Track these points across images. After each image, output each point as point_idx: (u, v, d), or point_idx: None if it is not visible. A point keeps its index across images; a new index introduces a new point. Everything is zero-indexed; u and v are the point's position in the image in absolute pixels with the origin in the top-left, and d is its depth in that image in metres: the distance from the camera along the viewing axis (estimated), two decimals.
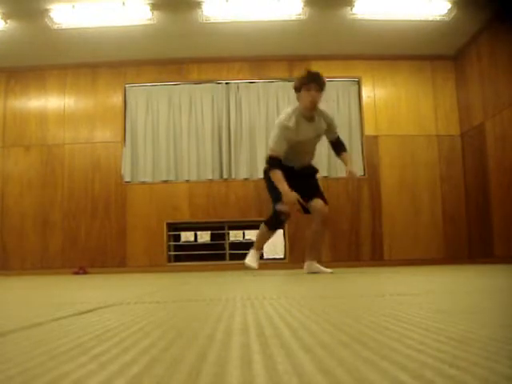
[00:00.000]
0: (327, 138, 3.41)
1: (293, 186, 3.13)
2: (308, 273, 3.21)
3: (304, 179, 3.30)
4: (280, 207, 3.16)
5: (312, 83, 3.09)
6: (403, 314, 0.85)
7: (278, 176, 3.09)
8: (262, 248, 3.56)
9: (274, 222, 3.33)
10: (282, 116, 3.15)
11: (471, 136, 5.24)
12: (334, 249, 5.22)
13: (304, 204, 3.23)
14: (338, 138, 3.44)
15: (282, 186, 3.07)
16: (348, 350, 0.53)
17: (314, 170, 3.49)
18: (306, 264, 3.27)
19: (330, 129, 3.33)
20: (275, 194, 3.19)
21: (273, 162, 3.14)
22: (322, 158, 5.43)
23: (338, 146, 3.43)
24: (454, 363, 0.45)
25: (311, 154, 3.39)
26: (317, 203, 3.25)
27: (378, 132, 5.47)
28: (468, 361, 0.46)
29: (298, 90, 3.15)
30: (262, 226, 3.40)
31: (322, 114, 3.26)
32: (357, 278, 2.58)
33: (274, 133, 3.17)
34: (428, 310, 0.92)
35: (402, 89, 5.56)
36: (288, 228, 5.21)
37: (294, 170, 3.25)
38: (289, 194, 3.05)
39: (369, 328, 0.70)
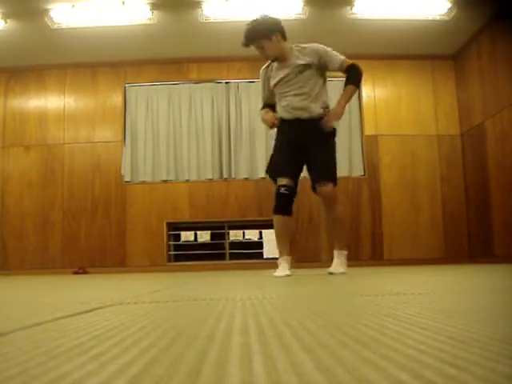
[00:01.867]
0: (335, 70, 2.90)
1: (297, 157, 2.82)
2: (330, 273, 2.81)
3: (311, 146, 2.81)
4: (278, 183, 2.79)
5: (248, 46, 2.92)
6: (403, 314, 0.85)
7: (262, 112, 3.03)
8: (286, 250, 2.83)
9: (277, 200, 2.79)
10: None
11: (471, 135, 5.24)
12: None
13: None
14: (351, 66, 2.86)
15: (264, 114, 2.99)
16: (348, 350, 0.52)
17: (324, 136, 2.83)
18: (334, 254, 2.88)
19: (326, 59, 2.84)
20: (272, 168, 2.93)
21: (262, 107, 3.11)
22: None
23: (348, 76, 2.88)
24: (454, 363, 0.45)
25: (304, 94, 2.83)
26: (323, 190, 2.78)
27: (378, 131, 5.47)
28: (468, 360, 0.46)
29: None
30: (274, 219, 2.85)
31: (302, 49, 2.89)
32: (357, 277, 2.58)
33: None
34: (428, 310, 0.92)
35: (402, 88, 5.55)
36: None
37: (296, 132, 2.84)
38: (265, 117, 2.95)
39: (369, 328, 0.69)
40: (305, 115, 2.84)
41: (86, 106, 5.55)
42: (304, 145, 2.84)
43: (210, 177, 5.40)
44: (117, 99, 5.55)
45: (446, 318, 0.80)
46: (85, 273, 5.05)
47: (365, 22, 4.84)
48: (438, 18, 4.77)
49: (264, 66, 3.09)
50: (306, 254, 5.16)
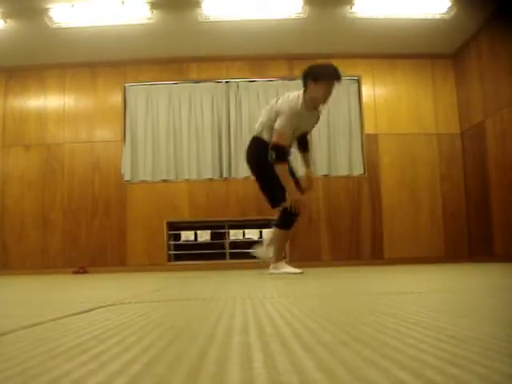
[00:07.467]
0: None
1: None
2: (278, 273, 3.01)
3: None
4: (288, 204, 2.96)
5: (334, 81, 2.85)
6: (403, 313, 0.85)
7: (285, 169, 2.89)
8: (283, 257, 3.20)
9: (289, 220, 3.01)
10: (291, 100, 2.91)
11: (471, 134, 5.24)
12: (334, 248, 5.22)
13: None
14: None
15: (289, 183, 2.89)
16: (348, 349, 0.52)
17: None
18: (277, 265, 3.07)
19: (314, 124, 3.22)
20: (278, 192, 2.97)
21: (283, 153, 2.87)
22: (323, 156, 5.43)
23: (305, 143, 3.29)
24: (454, 362, 0.45)
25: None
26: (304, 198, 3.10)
27: (378, 130, 5.47)
28: (468, 359, 0.46)
29: (315, 80, 2.86)
30: (276, 230, 3.09)
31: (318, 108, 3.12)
32: (357, 276, 2.58)
33: (283, 117, 2.87)
34: (428, 309, 0.92)
35: (402, 87, 5.55)
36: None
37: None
38: (293, 198, 2.88)
39: (369, 327, 0.69)
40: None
41: (85, 106, 5.55)
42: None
43: (210, 176, 5.39)
44: (116, 99, 5.54)
45: (447, 317, 0.80)
46: (85, 272, 5.05)
47: (364, 21, 4.84)
48: (437, 16, 4.76)
49: (297, 104, 2.91)
50: (306, 253, 5.16)
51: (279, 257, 3.12)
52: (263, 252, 3.23)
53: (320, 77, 2.86)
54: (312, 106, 2.96)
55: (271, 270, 3.09)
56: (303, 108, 2.91)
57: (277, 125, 2.88)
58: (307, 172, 3.27)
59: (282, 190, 2.94)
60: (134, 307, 1.14)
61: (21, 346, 0.61)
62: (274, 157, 2.87)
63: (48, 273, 5.03)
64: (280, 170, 2.88)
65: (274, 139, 2.87)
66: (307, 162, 3.32)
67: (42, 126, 5.51)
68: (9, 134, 5.52)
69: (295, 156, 3.46)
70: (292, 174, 3.14)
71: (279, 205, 3.01)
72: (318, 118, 3.17)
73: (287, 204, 2.92)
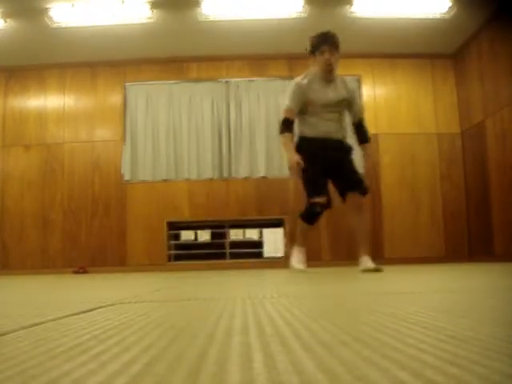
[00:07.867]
0: (350, 118, 3.19)
1: (326, 169, 2.99)
2: (363, 271, 2.90)
3: (337, 160, 3.06)
4: (314, 200, 3.00)
5: (325, 45, 2.96)
6: (403, 313, 0.85)
7: (286, 140, 2.99)
8: (303, 243, 3.23)
9: (309, 215, 3.09)
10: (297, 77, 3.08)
11: (471, 134, 5.24)
12: (334, 248, 5.22)
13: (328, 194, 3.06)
14: (362, 121, 3.20)
15: (289, 151, 2.96)
16: (348, 349, 0.52)
17: (347, 149, 3.16)
18: (361, 260, 3.00)
19: (353, 104, 3.13)
20: (309, 187, 3.03)
21: (285, 124, 2.99)
22: None
23: (360, 133, 3.20)
24: (454, 362, 0.45)
25: (337, 123, 3.10)
26: (353, 198, 3.06)
27: (378, 130, 5.46)
28: (469, 359, 0.46)
29: (312, 54, 3.02)
30: (299, 220, 3.19)
31: (344, 82, 3.11)
32: (357, 276, 2.58)
33: (287, 92, 3.06)
34: (428, 309, 0.92)
35: (402, 87, 5.55)
36: (288, 226, 5.20)
37: (322, 147, 3.02)
38: (292, 159, 2.91)
39: (369, 327, 0.69)
40: (335, 136, 3.11)
41: (85, 105, 5.55)
42: (333, 160, 3.07)
43: (210, 176, 5.39)
44: (116, 98, 5.54)
45: (447, 317, 0.80)
46: (85, 272, 5.05)
47: (365, 21, 4.84)
48: (438, 16, 4.76)
49: (304, 78, 3.03)
50: (306, 253, 5.15)
51: (297, 241, 3.24)
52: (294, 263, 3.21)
53: (314, 47, 3.01)
54: (325, 78, 3.03)
55: (294, 249, 3.25)
56: (313, 80, 3.01)
57: (283, 100, 3.14)
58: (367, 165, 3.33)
59: (315, 187, 3.02)
60: (134, 307, 1.14)
61: (21, 345, 0.61)
62: (281, 129, 3.06)
63: (48, 273, 5.03)
64: (284, 142, 3.03)
65: (282, 114, 3.11)
66: (368, 155, 3.27)
67: (41, 126, 5.51)
68: (9, 134, 5.52)
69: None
70: (350, 172, 3.09)
71: (307, 200, 3.09)
72: (346, 89, 3.10)
73: (313, 200, 3.02)
